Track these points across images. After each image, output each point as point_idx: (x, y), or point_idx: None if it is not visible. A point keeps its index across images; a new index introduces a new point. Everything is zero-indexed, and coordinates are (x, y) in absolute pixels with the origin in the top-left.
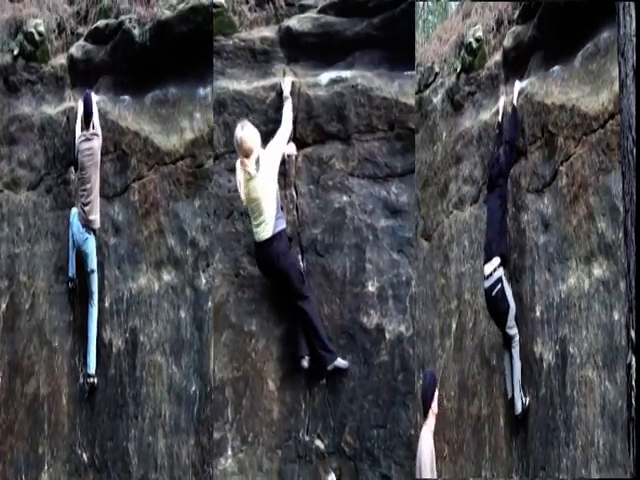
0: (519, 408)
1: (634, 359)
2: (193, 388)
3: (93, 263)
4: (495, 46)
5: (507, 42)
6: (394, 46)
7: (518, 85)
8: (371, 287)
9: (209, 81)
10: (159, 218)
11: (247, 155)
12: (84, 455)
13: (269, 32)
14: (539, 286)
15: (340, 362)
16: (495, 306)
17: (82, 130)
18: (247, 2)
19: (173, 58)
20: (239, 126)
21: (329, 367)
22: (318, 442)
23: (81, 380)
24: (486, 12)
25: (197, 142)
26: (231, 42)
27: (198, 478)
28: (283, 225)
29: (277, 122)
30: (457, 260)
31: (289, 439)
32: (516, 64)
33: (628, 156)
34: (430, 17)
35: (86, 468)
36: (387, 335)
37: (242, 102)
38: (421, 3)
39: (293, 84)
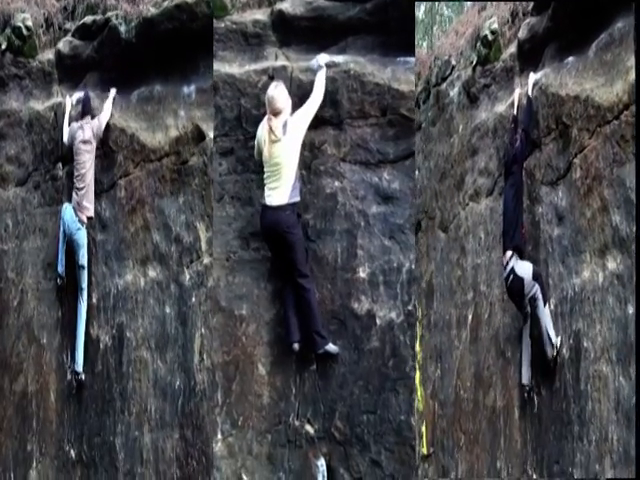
0: (550, 353)
1: None
2: (177, 383)
3: (84, 258)
4: (510, 38)
5: (522, 34)
6: (387, 32)
7: (533, 77)
8: (362, 273)
9: (193, 79)
10: (145, 214)
11: (275, 114)
12: (72, 451)
13: (261, 15)
14: (553, 279)
15: (331, 347)
16: (512, 293)
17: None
18: None
19: (158, 55)
20: (272, 85)
21: (320, 351)
22: (308, 427)
23: (69, 377)
24: (501, 5)
25: (181, 139)
26: (223, 25)
27: (182, 471)
28: (298, 198)
29: None
30: (473, 252)
31: (279, 424)
32: (531, 56)
33: None
34: (446, 11)
35: (74, 464)
36: (378, 321)
37: (234, 85)
38: None
39: (285, 67)
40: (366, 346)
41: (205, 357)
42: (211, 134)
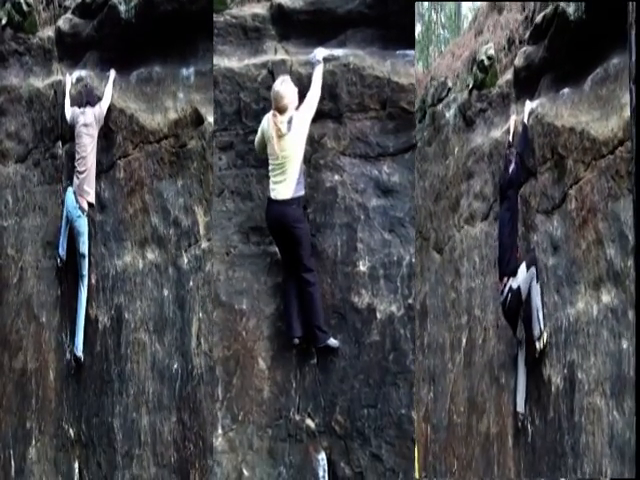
0: (537, 330)
1: None
2: (175, 366)
3: (84, 246)
4: (506, 65)
5: (518, 62)
6: (387, 25)
7: (529, 105)
8: (362, 267)
9: (192, 61)
10: (144, 196)
11: (281, 111)
12: (71, 431)
13: (260, 9)
14: (548, 308)
15: (332, 341)
16: (510, 312)
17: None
18: None
19: (157, 36)
20: (278, 80)
21: (320, 345)
22: (309, 421)
23: (68, 356)
24: (498, 31)
25: (180, 122)
26: (222, 19)
27: (179, 454)
28: (302, 192)
29: (267, 100)
30: (468, 275)
31: (280, 418)
32: (527, 84)
33: None
34: (443, 32)
35: (72, 444)
36: (378, 315)
37: (233, 79)
38: (434, 16)
39: (285, 61)
40: (366, 340)
41: (202, 342)
42: (209, 118)
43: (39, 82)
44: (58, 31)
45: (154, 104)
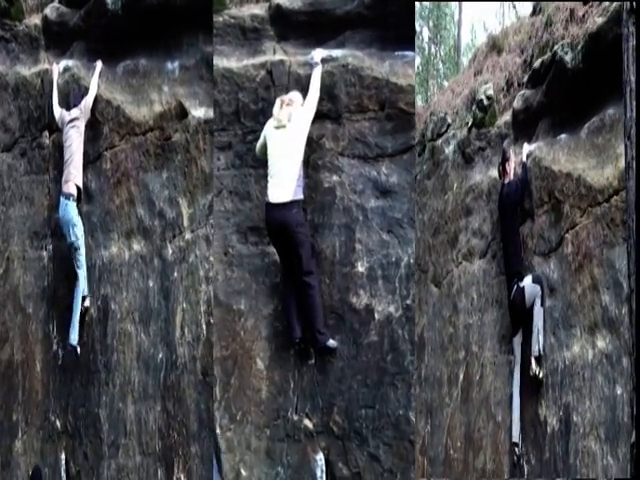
0: (536, 350)
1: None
2: (160, 355)
3: (72, 234)
4: (505, 106)
5: (517, 104)
6: (385, 25)
7: (527, 147)
8: (360, 267)
9: (176, 55)
10: (130, 188)
11: (287, 103)
12: (57, 422)
13: (259, 9)
14: (544, 349)
15: (330, 342)
16: (515, 306)
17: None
18: None
19: (143, 29)
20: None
21: (319, 346)
22: (306, 421)
23: (55, 347)
24: (497, 72)
25: (165, 115)
26: (221, 19)
27: (164, 442)
28: (301, 195)
29: (266, 100)
30: (465, 311)
31: (278, 418)
32: (525, 126)
33: (634, 237)
34: (442, 67)
35: (59, 435)
36: (376, 315)
37: (231, 80)
38: (434, 50)
39: (283, 61)
40: (364, 340)
41: (186, 331)
42: (193, 112)
43: (26, 70)
44: (45, 19)
45: (140, 96)
